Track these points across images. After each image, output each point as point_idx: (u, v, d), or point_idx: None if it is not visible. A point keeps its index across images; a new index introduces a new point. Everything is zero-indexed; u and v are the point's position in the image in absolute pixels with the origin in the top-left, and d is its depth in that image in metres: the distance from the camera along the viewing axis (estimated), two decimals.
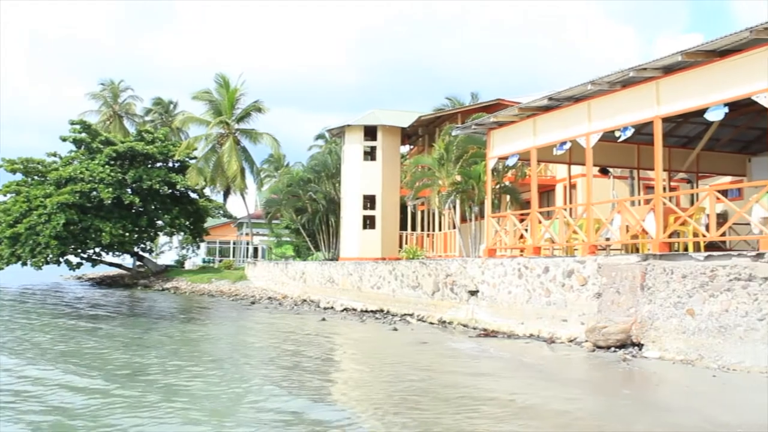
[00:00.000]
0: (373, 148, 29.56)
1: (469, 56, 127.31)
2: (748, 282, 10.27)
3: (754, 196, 11.46)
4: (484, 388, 9.33)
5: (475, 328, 16.11)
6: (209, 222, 48.71)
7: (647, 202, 13.89)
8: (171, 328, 17.81)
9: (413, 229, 33.13)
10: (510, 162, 18.36)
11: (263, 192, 42.40)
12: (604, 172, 20.48)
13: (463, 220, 25.95)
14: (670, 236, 12.67)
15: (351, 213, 29.41)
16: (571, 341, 13.21)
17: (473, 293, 16.94)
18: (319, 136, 44.94)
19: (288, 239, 41.55)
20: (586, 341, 12.56)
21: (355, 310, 22.29)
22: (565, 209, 16.73)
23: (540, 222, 16.17)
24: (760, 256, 10.22)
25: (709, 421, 7.23)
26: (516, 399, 8.56)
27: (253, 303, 27.98)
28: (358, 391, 9.76)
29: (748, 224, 11.70)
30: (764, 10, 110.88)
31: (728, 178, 21.00)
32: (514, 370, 10.99)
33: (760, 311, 10.01)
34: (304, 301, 26.84)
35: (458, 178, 23.56)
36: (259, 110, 41.26)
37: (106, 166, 39.08)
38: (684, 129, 17.88)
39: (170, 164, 42.84)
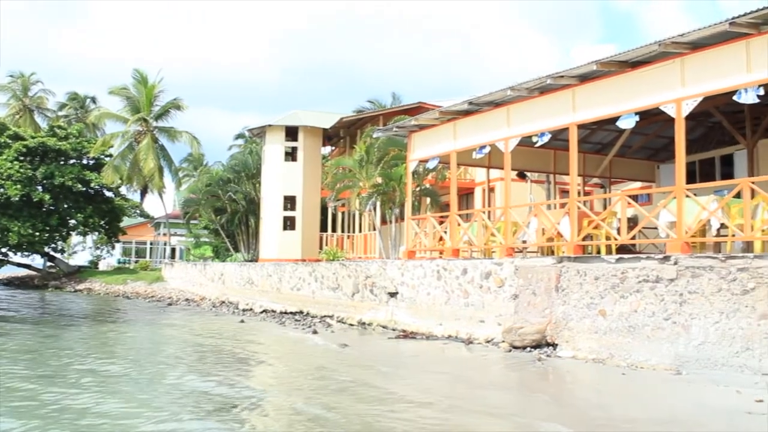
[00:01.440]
0: (294, 149, 29.41)
1: (392, 60, 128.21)
2: (656, 283, 10.68)
3: (662, 202, 11.92)
4: (397, 386, 9.40)
5: (394, 330, 16.20)
6: (125, 221, 47.43)
7: (563, 205, 14.26)
8: (82, 331, 17.25)
9: (334, 230, 33.12)
10: (430, 165, 18.57)
11: (182, 191, 41.62)
12: (521, 176, 20.94)
13: (384, 221, 26.09)
14: (584, 239, 13.05)
15: (271, 214, 29.17)
16: (488, 342, 13.44)
17: (393, 295, 17.03)
18: (240, 136, 44.38)
19: (207, 240, 40.87)
20: (503, 341, 12.81)
21: (274, 311, 22.08)
22: (484, 212, 17.02)
23: (459, 224, 16.40)
24: (666, 258, 10.64)
25: (618, 417, 7.48)
26: (430, 394, 8.66)
27: (170, 304, 27.43)
28: (273, 381, 9.70)
29: (657, 228, 12.15)
30: (671, 23, 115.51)
31: (639, 184, 21.80)
32: (430, 368, 11.11)
33: (666, 311, 10.44)
34: (223, 302, 26.45)
35: (379, 180, 23.66)
36: (178, 108, 40.51)
37: (15, 162, 37.50)
38: (598, 136, 18.45)
39: (85, 161, 41.45)
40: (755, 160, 15.65)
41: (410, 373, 11.00)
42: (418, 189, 23.37)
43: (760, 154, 15.70)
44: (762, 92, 10.27)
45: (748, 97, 10.35)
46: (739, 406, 7.60)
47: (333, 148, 35.65)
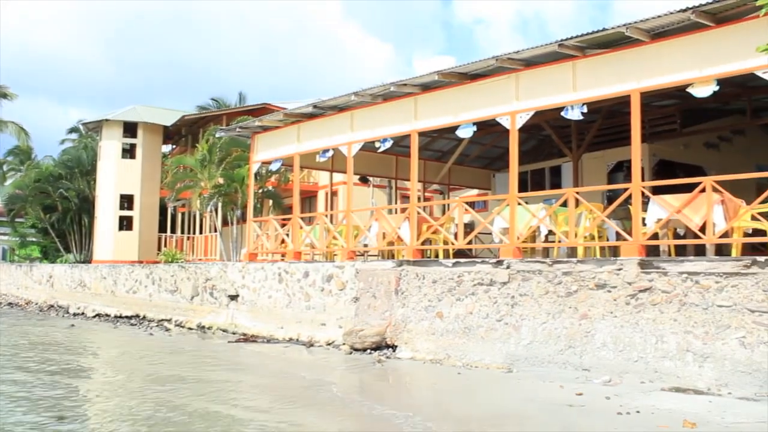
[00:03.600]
0: (133, 146, 28.23)
1: (238, 59, 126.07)
2: (490, 287, 11.23)
3: (496, 209, 12.53)
4: (236, 387, 9.29)
5: (234, 333, 15.95)
6: None
7: (403, 210, 14.65)
8: None
9: (173, 231, 32.12)
10: (274, 167, 18.49)
11: (6, 187, 38.68)
12: (364, 180, 21.29)
13: (225, 223, 25.64)
14: (423, 244, 13.47)
15: (106, 213, 27.80)
16: (329, 344, 13.54)
17: (233, 298, 16.78)
18: (74, 130, 41.80)
19: (34, 239, 38.29)
20: (344, 344, 12.95)
21: (108, 315, 21.09)
22: (326, 215, 17.14)
23: (301, 227, 16.42)
24: (499, 263, 11.22)
25: (454, 413, 7.79)
26: (271, 394, 8.63)
27: None
28: (102, 387, 9.28)
29: (491, 234, 12.75)
30: (504, 41, 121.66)
31: (476, 191, 22.77)
32: (271, 370, 11.06)
33: (499, 313, 11.00)
34: (51, 306, 24.92)
35: (221, 180, 23.25)
36: (5, 96, 37.69)
37: None
38: (438, 144, 19.09)
39: None
40: (580, 172, 16.81)
41: (250, 375, 10.88)
42: (260, 191, 23.19)
43: (584, 166, 16.87)
44: (586, 110, 11.07)
45: (574, 114, 11.13)
46: (562, 399, 8.14)
47: (174, 146, 34.56)
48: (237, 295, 16.70)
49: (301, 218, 16.78)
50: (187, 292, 18.58)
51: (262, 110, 24.84)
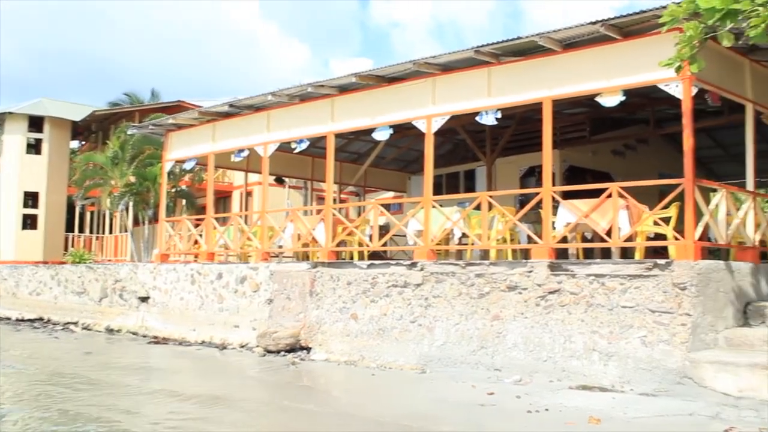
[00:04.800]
0: (39, 141, 27.13)
1: (154, 55, 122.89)
2: (404, 288, 11.33)
3: (411, 211, 12.65)
4: (148, 388, 9.08)
5: (145, 336, 15.56)
6: None
7: (319, 212, 14.61)
8: None
9: (81, 231, 31.04)
10: (187, 166, 18.14)
11: None
12: (279, 181, 21.12)
13: (137, 223, 25.02)
14: (338, 245, 13.47)
15: (8, 211, 26.61)
16: (242, 347, 13.38)
17: (144, 299, 16.38)
18: None
19: None
20: (258, 346, 12.81)
21: (9, 318, 20.18)
22: (241, 216, 16.93)
23: (215, 228, 16.16)
24: (414, 265, 11.34)
25: (367, 414, 7.82)
26: (183, 396, 8.47)
27: None
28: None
29: (406, 236, 12.85)
30: (420, 44, 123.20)
31: (392, 194, 22.93)
32: (182, 373, 10.85)
33: (413, 314, 11.11)
34: None
35: (132, 179, 22.69)
36: None
37: None
38: (355, 145, 19.13)
39: None
40: (493, 176, 17.16)
41: (160, 377, 10.64)
42: (174, 190, 22.74)
43: (497, 170, 17.23)
44: (500, 115, 11.31)
45: (488, 119, 11.35)
46: (474, 399, 8.29)
47: (83, 142, 33.44)
48: (148, 297, 16.31)
49: (215, 219, 16.52)
50: (95, 294, 18.02)
51: (176, 108, 24.35)
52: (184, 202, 24.65)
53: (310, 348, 12.40)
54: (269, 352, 12.48)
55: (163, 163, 18.07)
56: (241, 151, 15.55)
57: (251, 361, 12.14)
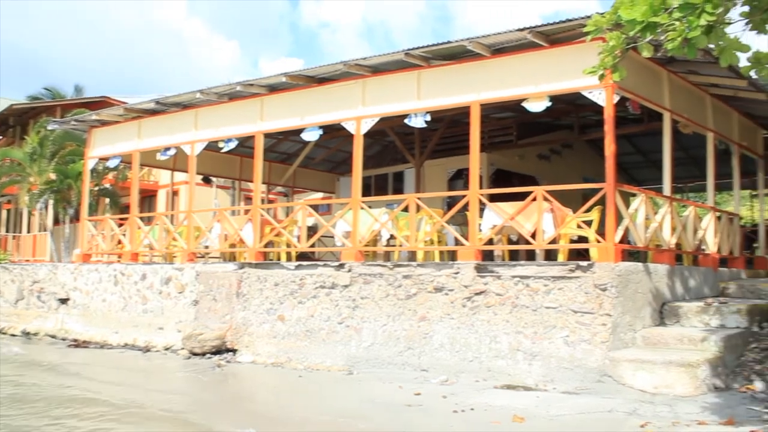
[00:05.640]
0: None
1: (78, 50, 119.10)
2: (331, 289, 11.32)
3: (339, 212, 12.65)
4: (68, 393, 8.81)
5: (65, 339, 15.07)
6: None
7: (246, 212, 14.46)
8: None
9: None
10: (111, 163, 17.66)
11: None
12: (207, 180, 20.78)
13: (57, 222, 24.24)
14: (265, 246, 13.35)
15: None
16: (167, 349, 13.12)
17: (64, 301, 15.89)
18: None
19: None
20: (183, 348, 12.59)
21: None
22: (167, 216, 16.60)
23: (140, 227, 15.79)
24: (342, 266, 11.33)
25: (294, 415, 7.78)
26: (103, 403, 8.25)
27: None
28: None
29: (334, 237, 12.84)
30: (350, 45, 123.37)
31: (320, 194, 22.87)
32: (103, 376, 10.57)
33: (340, 315, 11.11)
34: None
35: (53, 176, 21.99)
36: None
37: None
38: (284, 146, 19.00)
39: None
40: (422, 178, 17.30)
41: (80, 381, 10.33)
42: (96, 188, 22.12)
43: (426, 173, 17.39)
44: (429, 118, 11.42)
45: (417, 122, 11.45)
46: (401, 399, 8.34)
47: (0, 137, 32.23)
48: (68, 299, 15.83)
49: (140, 218, 16.15)
50: (10, 296, 17.38)
51: (101, 103, 23.74)
52: (107, 200, 24.01)
53: (237, 350, 12.25)
54: (194, 354, 12.28)
55: (86, 161, 17.53)
56: (167, 149, 15.25)
57: (176, 364, 11.91)
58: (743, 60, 5.71)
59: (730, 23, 5.40)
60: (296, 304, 11.74)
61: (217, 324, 12.64)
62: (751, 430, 6.21)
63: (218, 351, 12.29)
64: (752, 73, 6.17)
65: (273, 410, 8.36)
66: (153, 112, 15.50)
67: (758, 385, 7.87)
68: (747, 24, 5.45)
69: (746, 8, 5.38)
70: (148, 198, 27.25)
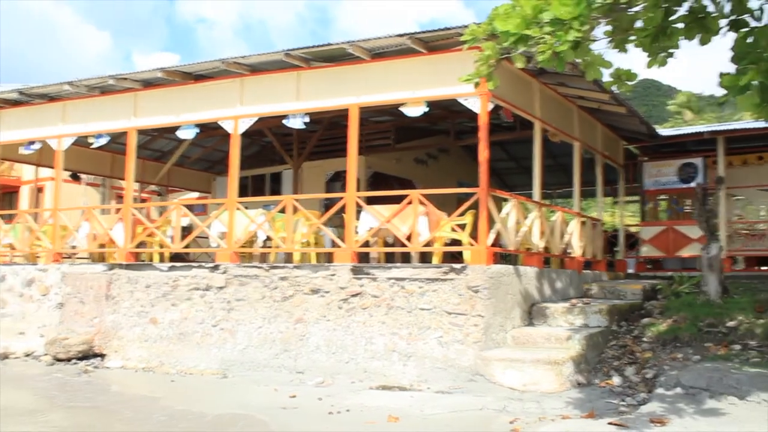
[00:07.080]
0: None
1: None
2: (206, 291, 11.09)
3: (215, 213, 12.41)
4: None
5: None
6: None
7: (117, 211, 13.93)
8: None
9: None
10: None
11: None
12: (75, 177, 19.86)
13: None
14: (137, 246, 12.91)
15: None
16: (28, 355, 12.38)
17: None
18: None
19: None
20: (46, 354, 11.94)
21: None
22: (30, 213, 15.74)
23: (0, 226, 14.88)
24: (216, 267, 11.13)
25: (163, 422, 7.55)
26: None
27: None
28: None
29: (209, 238, 12.58)
30: (227, 42, 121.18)
31: (196, 194, 22.33)
32: None
33: (215, 318, 10.91)
34: None
35: None
36: None
37: None
38: (159, 143, 18.43)
39: None
40: (300, 180, 17.23)
41: None
42: None
43: (304, 174, 17.33)
44: (308, 119, 11.41)
45: (296, 123, 11.42)
46: (276, 402, 8.27)
47: None
48: None
49: (0, 216, 15.21)
50: None
51: None
52: None
53: (105, 355, 11.77)
54: (59, 360, 11.68)
55: None
56: (31, 143, 14.44)
57: (37, 371, 11.27)
58: (606, 75, 6.07)
59: (595, 40, 5.75)
60: (169, 306, 11.42)
61: (84, 328, 12.10)
62: (609, 422, 6.57)
63: (85, 356, 11.75)
64: (614, 88, 6.56)
65: (137, 416, 8.05)
66: (15, 103, 14.64)
67: (616, 380, 8.36)
68: (610, 42, 5.82)
69: (609, 27, 5.73)
70: (9, 194, 25.72)
